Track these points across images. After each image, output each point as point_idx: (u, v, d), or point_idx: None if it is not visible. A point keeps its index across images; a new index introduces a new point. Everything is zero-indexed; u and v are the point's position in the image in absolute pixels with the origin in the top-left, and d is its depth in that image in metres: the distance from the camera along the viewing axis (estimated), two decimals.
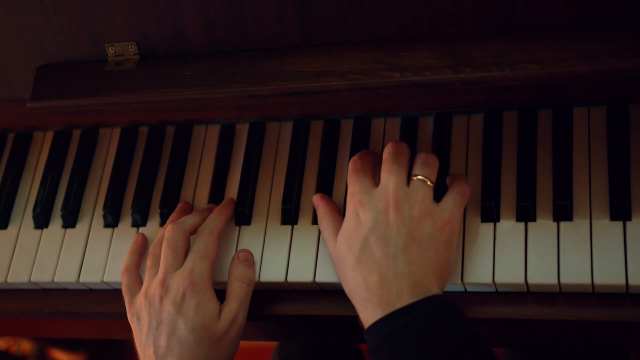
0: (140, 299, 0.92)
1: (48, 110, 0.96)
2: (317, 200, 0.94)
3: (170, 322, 0.88)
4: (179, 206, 0.99)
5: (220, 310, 0.90)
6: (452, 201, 0.86)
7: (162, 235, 0.95)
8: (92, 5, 0.93)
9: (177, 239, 0.92)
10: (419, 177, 0.86)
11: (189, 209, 1.00)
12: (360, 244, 0.84)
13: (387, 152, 0.88)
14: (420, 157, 0.88)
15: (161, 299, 0.89)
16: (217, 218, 0.95)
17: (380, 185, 0.86)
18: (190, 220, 0.95)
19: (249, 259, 0.93)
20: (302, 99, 0.96)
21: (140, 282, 0.94)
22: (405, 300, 0.81)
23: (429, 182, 0.86)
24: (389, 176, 0.86)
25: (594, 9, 0.81)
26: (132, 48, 0.95)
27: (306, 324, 0.99)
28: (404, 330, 0.80)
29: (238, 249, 0.96)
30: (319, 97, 0.94)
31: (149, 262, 0.94)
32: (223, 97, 0.89)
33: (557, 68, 0.78)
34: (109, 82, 0.93)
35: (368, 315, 0.83)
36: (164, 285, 0.89)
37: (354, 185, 0.88)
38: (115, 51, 0.95)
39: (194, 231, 0.95)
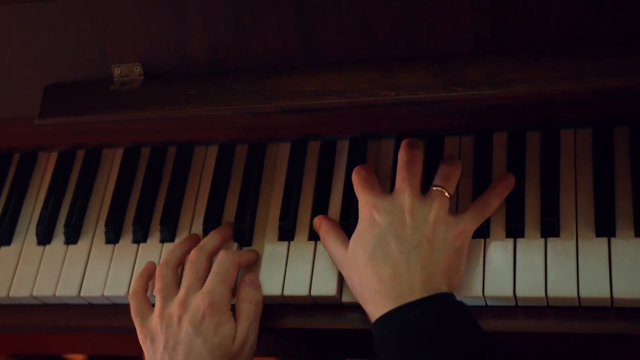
0: (155, 320, 0.93)
1: (55, 126, 0.99)
2: (319, 221, 0.96)
3: (188, 342, 0.89)
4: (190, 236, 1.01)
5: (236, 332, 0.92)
6: (470, 215, 0.90)
7: (168, 257, 0.97)
8: (100, 27, 0.97)
9: (200, 262, 0.95)
10: (438, 187, 0.90)
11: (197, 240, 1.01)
12: (374, 241, 0.87)
13: (401, 160, 0.92)
14: (443, 169, 0.92)
15: (180, 319, 0.91)
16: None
17: (395, 192, 0.90)
18: (211, 242, 0.97)
19: (255, 282, 0.96)
20: (300, 119, 0.99)
21: (150, 305, 0.96)
22: (417, 294, 0.84)
23: (446, 193, 0.90)
24: (403, 184, 0.90)
25: (583, 30, 0.85)
26: (137, 69, 0.99)
27: (304, 338, 1.01)
28: (415, 322, 0.82)
29: None
30: (317, 117, 0.97)
31: (158, 284, 0.95)
32: (225, 114, 0.93)
33: (545, 87, 0.82)
34: (114, 101, 0.97)
35: (379, 307, 0.85)
36: (184, 305, 0.91)
37: (365, 194, 0.91)
38: (120, 72, 0.99)
39: (215, 253, 0.97)
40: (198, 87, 0.95)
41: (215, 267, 0.94)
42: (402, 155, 0.92)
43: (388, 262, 0.86)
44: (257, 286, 0.96)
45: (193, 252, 0.96)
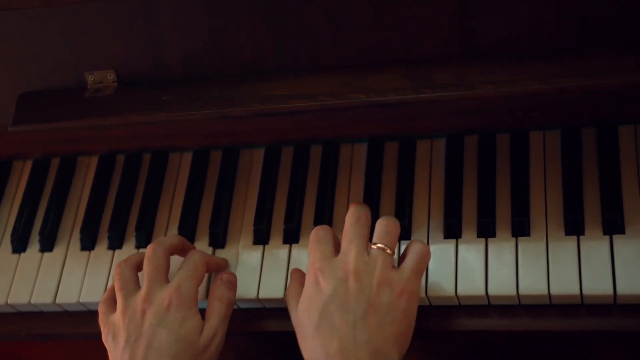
0: (117, 316, 0.92)
1: (29, 133, 1.00)
2: (291, 274, 0.95)
3: (151, 334, 0.88)
4: None
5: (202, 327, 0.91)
6: (409, 269, 0.87)
7: (127, 257, 0.96)
8: (74, 35, 0.98)
9: (158, 257, 0.94)
10: (379, 245, 0.87)
11: None
12: (319, 311, 0.85)
13: (348, 222, 0.90)
14: (381, 225, 0.89)
15: (144, 312, 0.90)
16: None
17: (341, 254, 0.88)
18: (169, 239, 0.97)
19: (231, 282, 0.96)
20: (273, 124, 1.00)
21: (115, 306, 0.95)
22: None
23: (388, 250, 0.87)
24: (350, 245, 0.87)
25: (547, 36, 0.87)
26: (110, 76, 1.00)
27: (279, 342, 1.02)
28: None
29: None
30: (289, 121, 0.99)
31: (117, 283, 0.93)
32: (198, 119, 0.93)
33: (511, 87, 0.84)
34: (88, 107, 0.98)
35: None
36: (148, 299, 0.90)
37: (314, 254, 0.89)
38: (94, 79, 1.00)
39: (173, 251, 0.97)
40: (171, 93, 0.96)
41: (184, 264, 0.94)
42: (349, 217, 0.90)
43: (334, 335, 0.83)
44: (232, 286, 0.95)
45: (149, 247, 0.94)
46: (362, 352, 0.82)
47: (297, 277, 0.93)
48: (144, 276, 0.93)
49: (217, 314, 0.93)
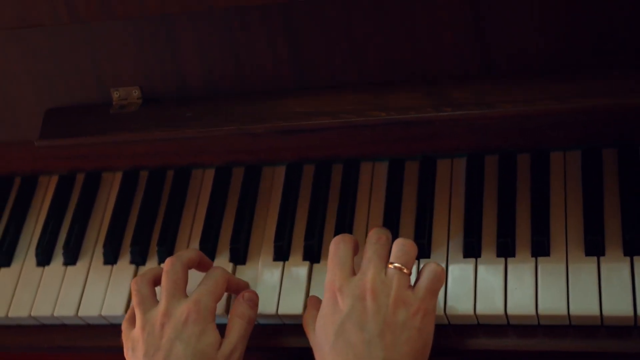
0: (136, 331, 0.93)
1: (55, 148, 1.02)
2: (309, 300, 0.96)
3: (169, 348, 0.89)
4: None
5: (220, 343, 0.92)
6: (424, 288, 0.87)
7: (144, 272, 0.97)
8: (100, 53, 1.00)
9: (177, 271, 0.94)
10: (395, 265, 0.88)
11: None
12: (335, 329, 0.86)
13: (369, 242, 0.91)
14: (398, 245, 0.90)
15: (162, 326, 0.91)
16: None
17: (360, 273, 0.89)
18: (187, 254, 0.97)
19: (253, 300, 0.96)
20: (294, 142, 1.01)
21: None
22: None
23: (405, 270, 0.88)
24: (369, 265, 0.88)
25: (564, 54, 0.87)
26: (135, 92, 1.01)
27: (298, 358, 1.02)
28: None
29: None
30: (310, 139, 0.99)
31: (135, 299, 0.94)
32: (220, 135, 0.94)
33: (530, 106, 0.84)
34: (113, 123, 0.99)
35: None
36: (167, 313, 0.91)
37: (333, 272, 0.89)
38: (119, 95, 1.02)
39: (191, 265, 0.98)
40: (194, 109, 0.98)
41: (204, 279, 0.95)
42: (370, 237, 0.92)
43: (349, 353, 0.84)
44: (254, 304, 0.96)
45: (168, 261, 0.94)
46: None
47: (314, 304, 0.94)
48: (162, 290, 0.94)
49: (237, 330, 0.93)
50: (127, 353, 0.94)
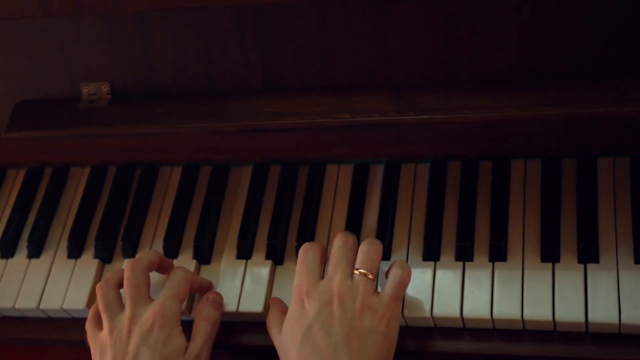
0: (104, 336, 0.93)
1: (22, 141, 1.02)
2: (271, 302, 0.97)
3: (135, 354, 0.90)
4: None
5: (186, 347, 0.93)
6: (389, 296, 0.89)
7: (107, 276, 0.97)
8: (70, 47, 1.01)
9: (137, 276, 0.95)
10: (361, 270, 0.90)
11: None
12: (302, 333, 0.87)
13: (336, 246, 0.93)
14: (363, 250, 0.92)
15: (129, 332, 0.91)
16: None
17: (326, 278, 0.91)
18: (147, 257, 0.97)
19: (217, 301, 0.97)
20: (261, 142, 1.03)
21: (101, 327, 0.96)
22: None
23: (370, 276, 0.90)
24: (336, 269, 0.90)
25: (529, 65, 0.90)
26: (105, 88, 1.02)
27: (258, 356, 1.03)
28: None
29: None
30: (277, 140, 1.01)
31: (101, 304, 0.95)
32: (188, 132, 0.96)
33: (492, 113, 0.86)
34: (81, 117, 1.00)
35: None
36: (133, 320, 0.92)
37: (301, 277, 0.91)
38: (89, 90, 1.03)
39: (152, 268, 0.98)
40: (163, 107, 0.99)
41: (167, 282, 0.95)
42: (337, 240, 0.93)
43: (317, 357, 0.86)
44: (218, 306, 0.97)
45: (127, 268, 0.95)
46: None
47: (277, 305, 0.95)
48: (126, 297, 0.95)
49: (202, 333, 0.94)
50: (95, 357, 0.94)
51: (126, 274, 0.95)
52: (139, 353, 0.90)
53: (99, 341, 0.94)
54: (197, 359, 0.93)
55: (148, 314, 0.92)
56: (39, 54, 1.02)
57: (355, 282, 0.90)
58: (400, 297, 0.91)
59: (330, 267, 0.92)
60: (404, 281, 0.91)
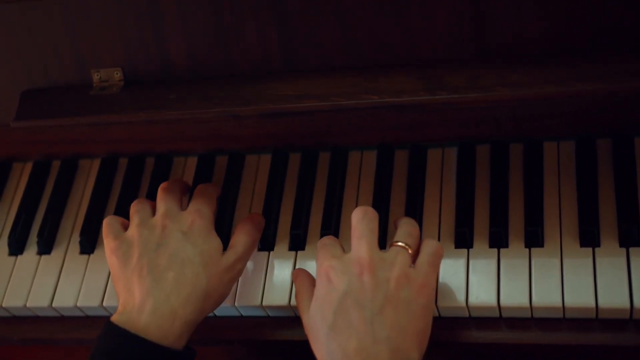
0: (133, 229, 0.92)
1: (31, 132, 0.98)
2: (295, 275, 0.91)
3: (176, 245, 0.89)
4: None
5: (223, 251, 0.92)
6: (427, 263, 0.84)
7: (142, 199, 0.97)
8: (79, 32, 0.96)
9: (174, 187, 0.96)
10: (400, 243, 0.85)
11: None
12: (334, 308, 0.81)
13: (356, 218, 0.86)
14: (405, 225, 0.87)
15: (164, 227, 0.90)
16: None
17: (352, 251, 0.84)
18: (180, 182, 1.00)
19: (261, 223, 0.96)
20: (280, 127, 0.98)
21: (126, 227, 0.94)
22: None
23: (410, 250, 0.85)
24: (360, 242, 0.84)
25: (562, 39, 0.85)
26: (117, 74, 0.97)
27: (280, 350, 0.99)
28: None
29: None
30: (297, 124, 0.96)
31: (134, 208, 0.94)
32: (205, 118, 0.91)
33: (526, 90, 0.82)
34: (93, 104, 0.95)
35: None
36: (168, 217, 0.91)
37: (323, 254, 0.86)
38: (100, 77, 0.98)
39: (184, 192, 0.99)
40: (178, 92, 0.94)
41: (197, 194, 0.96)
42: (355, 214, 0.86)
43: (352, 334, 0.79)
44: (260, 227, 0.96)
45: (166, 183, 0.97)
46: (382, 350, 0.77)
47: (305, 276, 0.90)
48: (158, 200, 0.94)
49: (243, 243, 0.92)
50: (114, 254, 0.91)
51: (162, 186, 0.96)
52: (179, 244, 0.89)
53: (124, 236, 0.92)
54: (234, 266, 0.91)
55: (186, 215, 0.92)
56: (46, 40, 0.97)
57: (393, 253, 0.83)
58: (437, 268, 0.85)
59: (354, 241, 0.85)
60: (439, 251, 0.85)
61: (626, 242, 0.87)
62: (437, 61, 0.88)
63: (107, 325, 0.86)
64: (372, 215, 0.87)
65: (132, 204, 0.95)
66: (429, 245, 0.86)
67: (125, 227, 0.94)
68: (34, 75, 1.00)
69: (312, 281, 0.88)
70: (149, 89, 0.95)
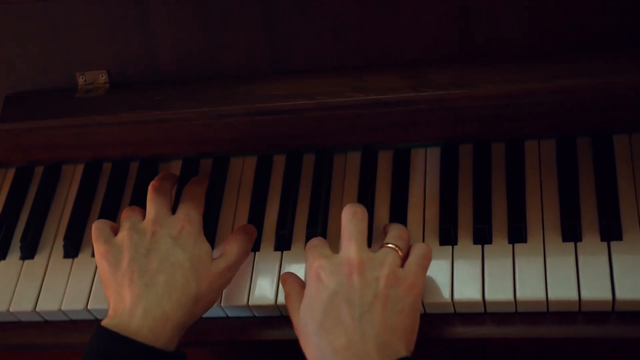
0: (123, 234, 0.92)
1: (14, 135, 0.98)
2: (283, 279, 0.92)
3: (166, 250, 0.89)
4: None
5: (213, 258, 0.92)
6: (415, 263, 0.85)
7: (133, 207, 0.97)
8: (64, 34, 0.96)
9: (165, 185, 0.97)
10: (391, 245, 0.86)
11: None
12: (323, 306, 0.82)
13: (345, 218, 0.87)
14: (395, 229, 0.89)
15: (154, 233, 0.91)
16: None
17: (342, 251, 0.86)
18: (171, 174, 1.01)
19: (252, 233, 0.97)
20: (267, 127, 0.99)
21: (116, 231, 0.94)
22: None
23: (400, 252, 0.86)
24: (349, 242, 0.85)
25: (545, 38, 0.87)
26: (102, 77, 0.98)
27: (266, 350, 0.99)
28: None
29: None
30: (283, 124, 0.97)
31: (125, 214, 0.94)
32: (191, 117, 0.92)
33: (511, 86, 0.84)
34: (78, 106, 0.96)
35: None
36: (158, 222, 0.92)
37: (312, 255, 0.87)
38: (85, 80, 0.98)
39: (174, 183, 1.01)
40: (165, 93, 0.95)
41: (185, 196, 0.96)
42: (345, 214, 0.88)
43: (340, 331, 0.80)
44: (252, 238, 0.96)
45: (153, 181, 0.97)
46: (370, 347, 0.78)
47: (294, 279, 0.91)
48: (148, 204, 0.94)
49: (235, 253, 0.93)
50: (104, 258, 0.91)
51: (152, 186, 0.96)
52: (170, 249, 0.89)
53: (114, 241, 0.92)
54: (225, 272, 0.91)
55: (175, 220, 0.92)
56: (31, 42, 0.97)
57: (383, 253, 0.85)
58: (425, 269, 0.86)
59: (344, 241, 0.86)
60: (428, 254, 0.87)
61: (607, 236, 0.89)
62: (423, 61, 0.90)
63: (98, 329, 0.86)
64: (362, 215, 0.88)
65: (124, 211, 0.95)
66: (419, 248, 0.88)
67: (115, 231, 0.94)
68: (19, 79, 1.00)
69: (301, 284, 0.89)
70: (135, 91, 0.96)
